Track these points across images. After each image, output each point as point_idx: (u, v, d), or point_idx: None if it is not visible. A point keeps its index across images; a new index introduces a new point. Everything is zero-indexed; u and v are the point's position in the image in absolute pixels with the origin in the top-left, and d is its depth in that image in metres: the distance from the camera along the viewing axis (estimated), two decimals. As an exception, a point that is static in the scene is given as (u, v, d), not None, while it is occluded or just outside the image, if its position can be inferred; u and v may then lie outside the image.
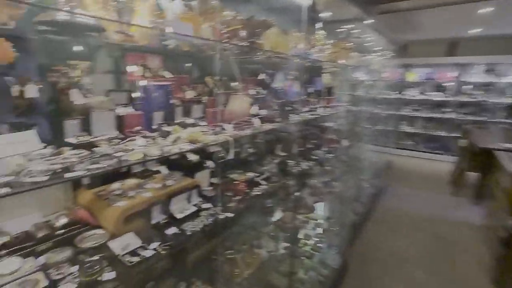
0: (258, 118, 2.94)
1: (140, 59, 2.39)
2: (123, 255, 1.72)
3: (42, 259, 1.65)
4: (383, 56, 6.69)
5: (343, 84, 5.10)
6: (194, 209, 2.34)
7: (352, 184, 5.18)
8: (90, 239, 1.89)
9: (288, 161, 3.72)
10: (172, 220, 2.16)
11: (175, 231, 1.98)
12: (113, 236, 1.91)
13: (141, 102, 2.42)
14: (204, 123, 2.56)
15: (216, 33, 2.22)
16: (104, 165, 1.43)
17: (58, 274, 1.56)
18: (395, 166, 7.22)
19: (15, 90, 1.71)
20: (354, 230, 4.77)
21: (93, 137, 1.87)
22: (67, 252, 1.75)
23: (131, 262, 1.65)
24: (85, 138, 1.81)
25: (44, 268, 1.58)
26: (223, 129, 2.52)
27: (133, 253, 1.74)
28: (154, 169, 2.63)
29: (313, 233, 4.29)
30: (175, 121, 2.50)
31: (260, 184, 2.99)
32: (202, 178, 2.73)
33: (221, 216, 2.30)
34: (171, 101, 2.54)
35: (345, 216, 4.91)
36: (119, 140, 1.92)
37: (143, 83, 2.34)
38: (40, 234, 1.80)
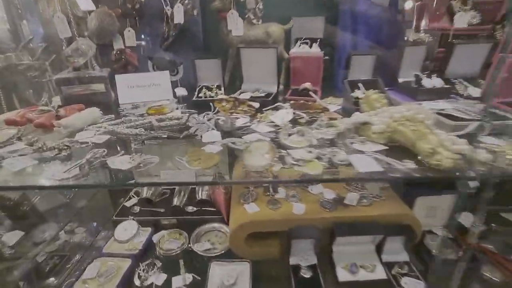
0: None
1: None
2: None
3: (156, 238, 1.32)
4: None
5: None
6: (380, 275, 1.09)
7: None
8: (205, 238, 1.34)
9: None
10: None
11: None
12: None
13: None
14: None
15: None
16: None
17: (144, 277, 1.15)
18: None
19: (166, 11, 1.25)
20: None
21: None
22: (179, 243, 1.31)
23: None
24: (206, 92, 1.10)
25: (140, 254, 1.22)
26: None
27: None
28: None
29: None
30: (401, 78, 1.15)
31: None
32: (433, 208, 1.28)
33: None
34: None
35: None
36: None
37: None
38: (178, 202, 1.48)
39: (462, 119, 0.81)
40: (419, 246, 1.25)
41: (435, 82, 1.01)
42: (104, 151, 0.70)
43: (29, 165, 0.67)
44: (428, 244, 1.24)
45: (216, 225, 1.39)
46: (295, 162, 0.65)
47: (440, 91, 1.00)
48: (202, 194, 1.53)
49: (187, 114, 0.94)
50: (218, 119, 0.92)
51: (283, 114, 0.91)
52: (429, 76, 1.03)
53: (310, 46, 1.27)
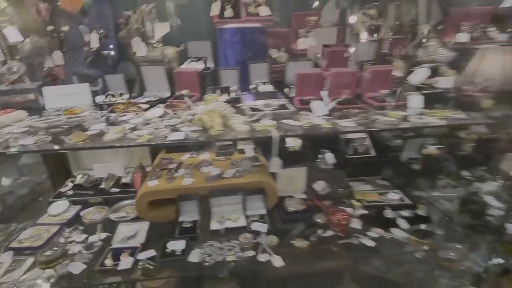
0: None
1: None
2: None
3: (83, 212, 1.70)
4: None
5: None
6: (241, 223, 1.55)
7: None
8: (123, 210, 1.74)
9: None
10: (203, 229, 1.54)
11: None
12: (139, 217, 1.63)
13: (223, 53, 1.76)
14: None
15: None
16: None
17: (67, 237, 1.53)
18: None
19: (85, 39, 1.66)
20: None
21: (124, 99, 1.55)
22: (102, 215, 1.70)
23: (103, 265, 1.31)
24: (111, 99, 1.53)
25: (67, 222, 1.61)
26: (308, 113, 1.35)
27: (116, 252, 1.37)
28: (240, 147, 2.02)
29: None
30: (251, 85, 1.64)
31: (395, 226, 1.53)
32: (291, 178, 1.76)
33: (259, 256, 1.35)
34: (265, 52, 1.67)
35: None
36: (138, 108, 1.46)
37: (219, 26, 1.63)
38: (104, 186, 1.87)
39: (260, 110, 1.29)
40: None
41: (267, 87, 1.50)
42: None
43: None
44: (286, 204, 1.72)
45: (134, 201, 1.79)
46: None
47: (271, 93, 1.49)
48: (126, 179, 1.93)
49: (89, 112, 1.36)
50: (110, 116, 1.34)
51: (156, 111, 1.36)
52: (265, 84, 1.52)
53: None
